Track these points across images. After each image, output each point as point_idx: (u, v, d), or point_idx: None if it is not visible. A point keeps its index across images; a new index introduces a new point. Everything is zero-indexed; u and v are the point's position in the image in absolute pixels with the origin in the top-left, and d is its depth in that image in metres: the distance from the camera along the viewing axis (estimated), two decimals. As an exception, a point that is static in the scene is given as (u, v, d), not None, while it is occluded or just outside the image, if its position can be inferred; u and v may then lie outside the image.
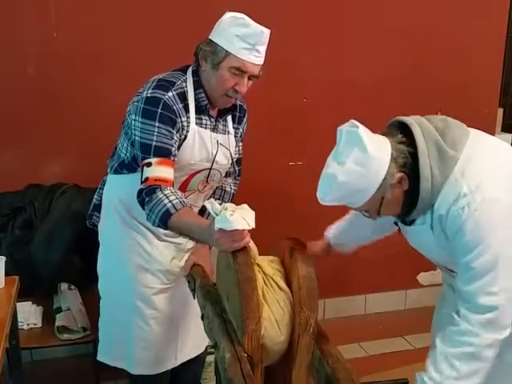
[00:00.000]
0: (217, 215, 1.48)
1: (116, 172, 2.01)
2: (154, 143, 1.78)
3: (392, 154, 1.43)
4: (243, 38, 1.78)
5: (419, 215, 1.52)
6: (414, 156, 1.45)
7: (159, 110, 1.79)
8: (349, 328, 3.23)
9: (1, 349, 1.62)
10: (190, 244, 2.09)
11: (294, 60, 2.92)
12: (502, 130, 3.57)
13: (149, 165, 1.78)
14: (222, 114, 1.99)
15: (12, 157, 2.69)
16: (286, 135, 3.01)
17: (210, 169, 1.98)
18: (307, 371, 1.45)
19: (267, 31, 1.82)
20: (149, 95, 1.82)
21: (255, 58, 1.82)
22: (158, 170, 1.77)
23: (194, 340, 2.19)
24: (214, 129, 1.97)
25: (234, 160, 2.11)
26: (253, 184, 2.87)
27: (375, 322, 3.35)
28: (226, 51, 1.79)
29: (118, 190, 2.02)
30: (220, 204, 1.54)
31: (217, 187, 2.15)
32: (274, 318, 1.45)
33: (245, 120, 2.11)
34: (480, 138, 1.53)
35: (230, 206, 1.52)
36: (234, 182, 2.22)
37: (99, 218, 2.11)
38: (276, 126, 2.95)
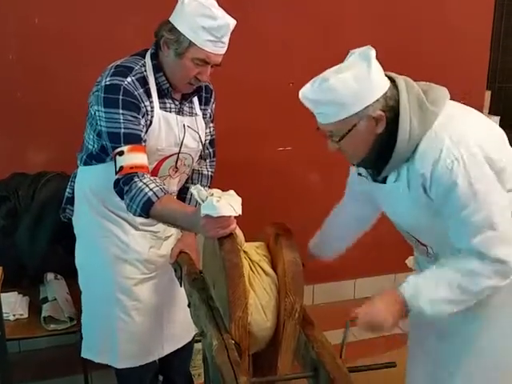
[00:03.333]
0: (203, 201, 1.46)
1: (86, 163, 1.97)
2: (122, 131, 1.75)
3: (386, 93, 1.45)
4: (209, 31, 1.74)
5: (392, 170, 1.51)
6: (397, 109, 1.45)
7: (120, 97, 1.76)
8: (338, 313, 3.21)
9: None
10: (168, 232, 2.07)
11: (280, 45, 2.89)
12: (489, 113, 3.58)
13: (121, 153, 1.73)
14: (187, 96, 1.96)
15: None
16: (274, 120, 2.98)
17: (179, 153, 1.94)
18: (293, 357, 1.45)
19: (233, 22, 1.78)
20: (107, 83, 1.78)
21: (220, 48, 1.79)
22: (132, 157, 1.73)
23: (181, 329, 2.17)
24: (180, 112, 1.94)
25: (207, 142, 2.07)
26: (241, 170, 2.85)
27: (365, 307, 3.35)
28: (190, 41, 1.76)
29: (89, 181, 1.99)
30: (203, 189, 1.51)
31: (193, 171, 2.12)
32: (260, 304, 1.44)
33: (212, 100, 2.07)
34: (458, 104, 1.56)
35: (217, 192, 1.49)
36: (210, 164, 2.18)
37: (73, 211, 2.07)
38: (264, 112, 2.93)
